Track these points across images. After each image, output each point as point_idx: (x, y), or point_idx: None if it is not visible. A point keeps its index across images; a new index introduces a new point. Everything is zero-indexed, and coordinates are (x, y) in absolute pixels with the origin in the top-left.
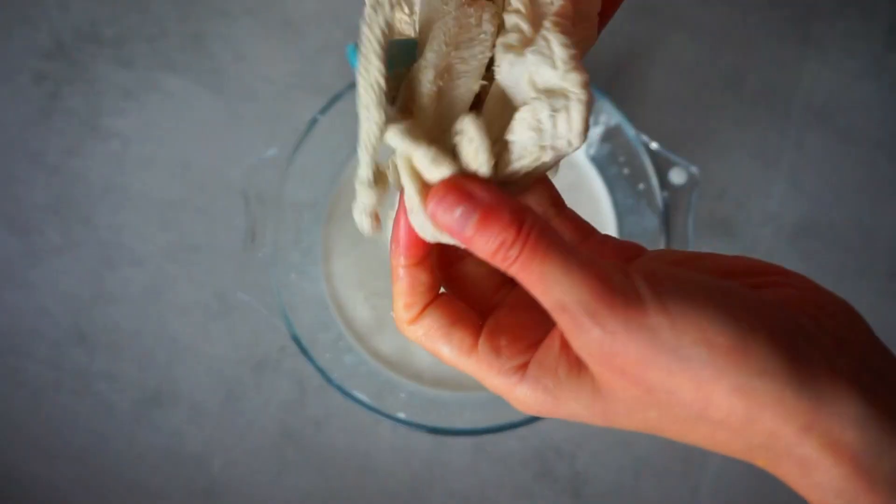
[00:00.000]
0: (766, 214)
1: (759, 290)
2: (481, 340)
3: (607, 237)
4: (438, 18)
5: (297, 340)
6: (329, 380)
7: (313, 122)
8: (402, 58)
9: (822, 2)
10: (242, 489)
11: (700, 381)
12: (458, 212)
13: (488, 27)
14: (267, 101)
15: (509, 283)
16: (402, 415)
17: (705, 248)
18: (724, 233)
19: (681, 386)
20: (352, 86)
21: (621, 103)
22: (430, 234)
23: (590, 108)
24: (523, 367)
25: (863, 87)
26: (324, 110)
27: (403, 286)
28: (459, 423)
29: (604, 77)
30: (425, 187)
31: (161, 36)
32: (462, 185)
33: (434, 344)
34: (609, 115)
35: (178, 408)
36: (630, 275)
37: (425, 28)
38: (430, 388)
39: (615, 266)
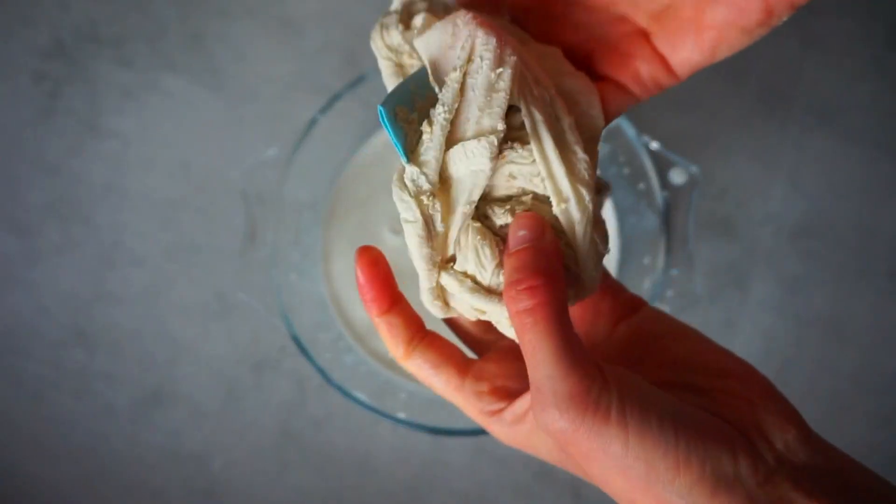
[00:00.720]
0: (766, 214)
1: (715, 396)
2: (468, 383)
3: (617, 287)
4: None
5: (297, 340)
6: (329, 380)
7: (313, 122)
8: (420, 90)
9: (822, 2)
10: (242, 489)
11: (632, 484)
12: (521, 233)
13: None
14: (267, 101)
15: None
16: (402, 415)
17: (705, 247)
18: (724, 233)
19: (614, 481)
20: (350, 86)
21: None
22: (437, 311)
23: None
24: (499, 412)
25: (863, 87)
26: (324, 110)
27: (383, 332)
28: (459, 423)
29: None
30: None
31: (161, 36)
32: (543, 226)
33: (426, 380)
34: None
35: (178, 408)
36: (609, 386)
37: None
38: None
39: (599, 372)
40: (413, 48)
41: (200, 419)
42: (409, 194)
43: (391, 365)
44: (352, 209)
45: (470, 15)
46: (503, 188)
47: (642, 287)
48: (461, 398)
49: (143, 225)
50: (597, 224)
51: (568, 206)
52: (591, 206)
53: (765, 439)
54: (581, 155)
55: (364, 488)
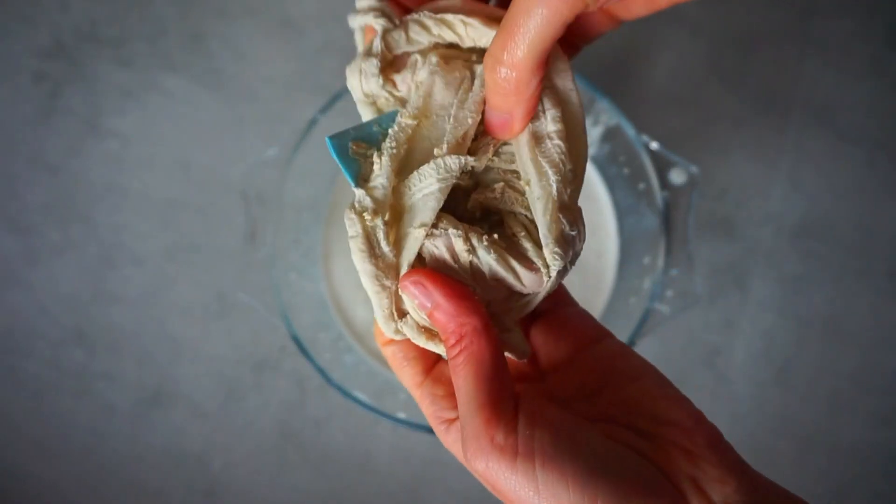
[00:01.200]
0: (766, 214)
1: (657, 443)
2: (427, 382)
3: (581, 314)
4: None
5: (297, 340)
6: (329, 380)
7: (313, 122)
8: (387, 130)
9: (822, 2)
10: (242, 489)
11: None
12: (416, 301)
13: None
14: (267, 101)
15: None
16: (402, 415)
17: (705, 248)
18: (724, 233)
19: None
20: None
21: (621, 103)
22: (392, 334)
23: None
24: (451, 421)
25: (863, 87)
26: (324, 110)
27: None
28: None
29: (604, 77)
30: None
31: (161, 36)
32: (426, 283)
33: (396, 370)
34: (609, 115)
35: (178, 408)
36: (514, 430)
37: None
38: None
39: (511, 415)
40: (390, 96)
41: (200, 419)
42: (354, 213)
43: None
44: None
45: (435, 60)
46: (491, 172)
47: (642, 287)
48: (419, 396)
49: (143, 225)
50: (565, 207)
51: (530, 185)
52: (554, 186)
53: (700, 492)
54: (556, 140)
55: (364, 488)
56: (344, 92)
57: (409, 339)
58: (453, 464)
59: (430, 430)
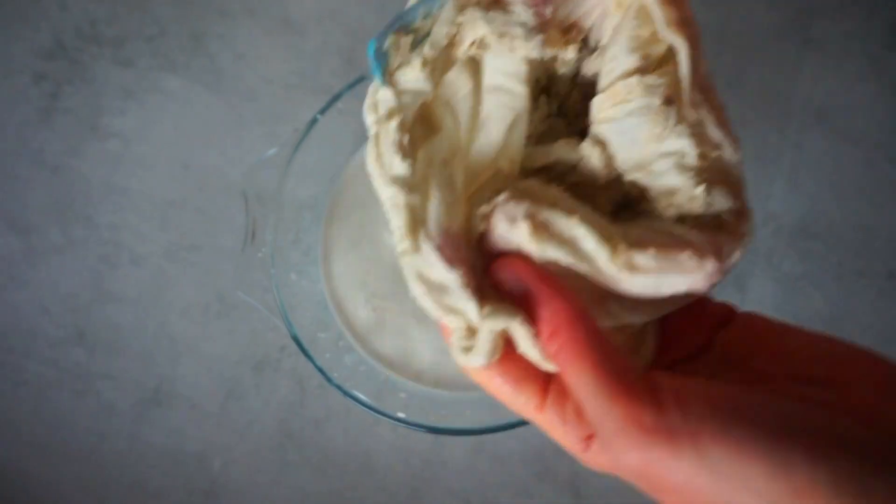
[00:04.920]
0: (766, 214)
1: (839, 388)
2: (548, 404)
3: (705, 297)
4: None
5: (297, 340)
6: (329, 380)
7: (313, 122)
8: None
9: (822, 2)
10: (242, 489)
11: None
12: (511, 284)
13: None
14: (267, 101)
15: None
16: (402, 415)
17: None
18: None
19: None
20: (350, 86)
21: None
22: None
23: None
24: (590, 438)
25: (863, 87)
26: (324, 110)
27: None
28: (459, 423)
29: None
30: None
31: (161, 36)
32: (520, 265)
33: (505, 399)
34: None
35: (178, 408)
36: (662, 408)
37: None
38: (430, 388)
39: (651, 397)
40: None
41: (200, 419)
42: (369, 110)
43: (391, 364)
44: (352, 209)
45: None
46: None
47: None
48: (544, 421)
49: (143, 225)
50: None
51: (722, 152)
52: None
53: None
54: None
55: (364, 488)
56: (344, 92)
57: (507, 361)
58: (453, 464)
59: (430, 430)
